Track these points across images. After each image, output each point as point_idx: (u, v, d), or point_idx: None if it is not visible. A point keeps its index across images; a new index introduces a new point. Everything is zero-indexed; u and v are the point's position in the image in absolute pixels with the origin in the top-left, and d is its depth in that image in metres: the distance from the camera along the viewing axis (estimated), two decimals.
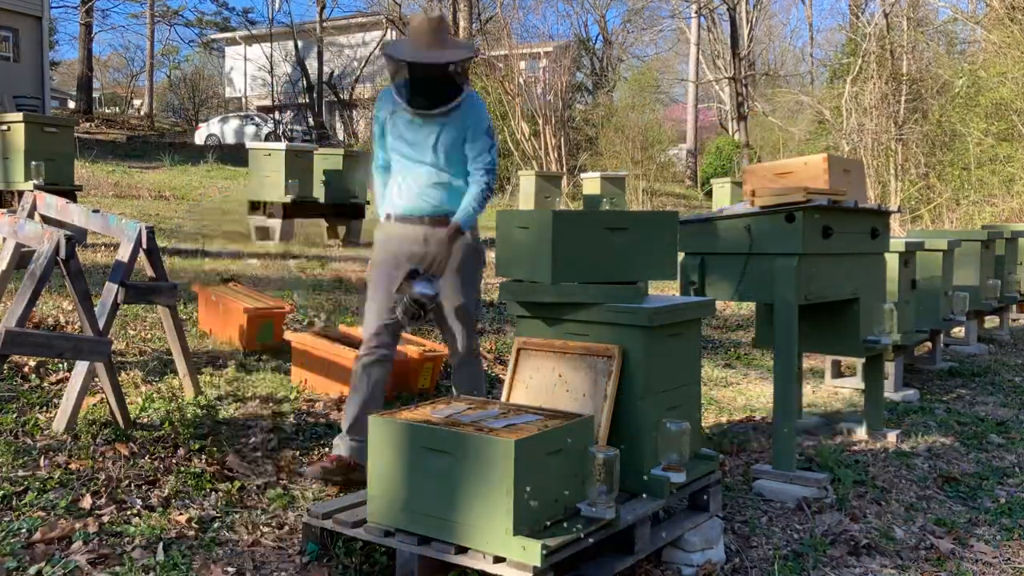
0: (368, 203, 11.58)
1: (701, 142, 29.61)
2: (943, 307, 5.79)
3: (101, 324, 3.59)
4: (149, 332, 5.20)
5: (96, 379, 3.69)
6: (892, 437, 4.32)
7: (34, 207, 4.14)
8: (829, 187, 3.63)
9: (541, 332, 2.97)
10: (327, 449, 3.70)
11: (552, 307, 2.92)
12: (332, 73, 30.94)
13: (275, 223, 10.15)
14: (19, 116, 8.00)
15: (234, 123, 27.99)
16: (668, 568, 2.81)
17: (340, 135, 28.26)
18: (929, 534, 3.24)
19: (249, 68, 34.05)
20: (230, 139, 26.66)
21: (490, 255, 3.65)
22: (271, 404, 4.22)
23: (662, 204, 20.90)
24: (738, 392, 5.35)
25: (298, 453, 3.61)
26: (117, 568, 2.52)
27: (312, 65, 30.77)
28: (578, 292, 2.87)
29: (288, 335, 4.85)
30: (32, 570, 2.47)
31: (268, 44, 31.55)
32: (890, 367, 5.15)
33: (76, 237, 3.44)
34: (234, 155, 19.79)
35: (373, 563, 2.59)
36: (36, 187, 7.33)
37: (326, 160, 10.97)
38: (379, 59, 30.16)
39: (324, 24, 31.84)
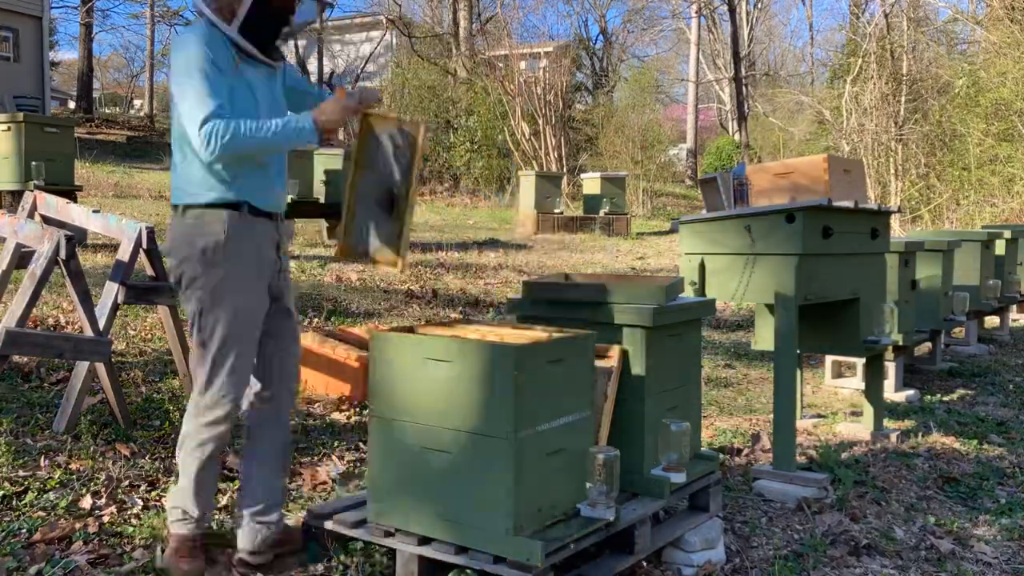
0: None
1: (701, 142, 29.62)
2: (943, 307, 5.79)
3: (101, 324, 3.59)
4: (149, 332, 5.20)
5: (96, 379, 3.69)
6: (892, 437, 4.32)
7: (34, 207, 4.14)
8: (829, 190, 3.63)
9: None
10: (325, 450, 3.70)
11: (555, 307, 2.92)
12: (332, 72, 30.95)
13: None
14: (19, 116, 8.01)
15: None
16: (668, 568, 2.81)
17: (340, 135, 28.21)
18: (929, 534, 3.24)
19: None
20: None
21: None
22: None
23: (662, 204, 20.92)
24: (738, 392, 5.35)
25: (298, 454, 3.61)
26: (117, 568, 2.52)
27: (312, 65, 30.77)
28: (589, 292, 2.87)
29: None
30: (32, 570, 2.47)
31: None
32: (890, 367, 5.15)
33: (76, 237, 3.44)
34: None
35: (373, 563, 2.59)
36: (36, 187, 7.33)
37: (326, 160, 10.98)
38: (379, 57, 30.21)
39: (324, 24, 31.85)
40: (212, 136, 2.33)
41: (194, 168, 2.45)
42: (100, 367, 3.56)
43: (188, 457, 2.51)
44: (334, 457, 3.60)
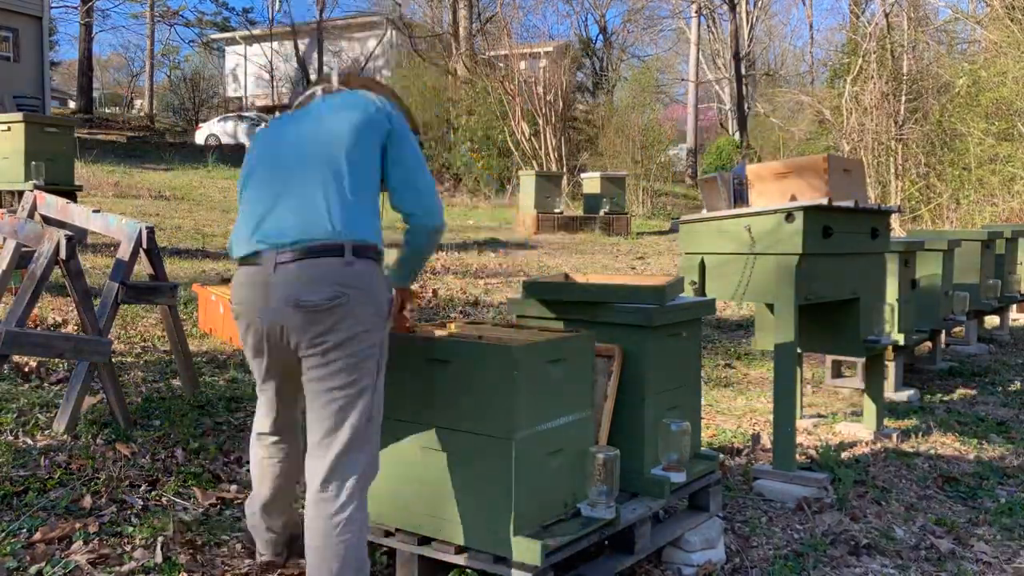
0: None
1: (701, 142, 29.64)
2: (943, 307, 5.79)
3: (101, 324, 3.59)
4: (149, 332, 5.20)
5: (96, 379, 3.69)
6: (892, 437, 4.32)
7: (34, 207, 4.14)
8: (829, 190, 3.62)
9: None
10: None
11: (555, 307, 2.92)
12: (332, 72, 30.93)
13: None
14: (19, 116, 8.00)
15: (235, 123, 27.99)
16: (668, 568, 2.81)
17: None
18: (929, 534, 3.24)
19: (250, 68, 34.06)
20: (230, 139, 26.67)
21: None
22: None
23: (662, 204, 20.92)
24: (738, 392, 5.35)
25: None
26: (117, 568, 2.52)
27: (313, 64, 30.77)
28: (589, 292, 2.87)
29: None
30: (32, 570, 2.47)
31: (268, 44, 31.56)
32: (890, 367, 5.14)
33: (76, 237, 3.44)
34: (234, 155, 19.81)
35: (373, 563, 2.59)
36: (36, 187, 7.33)
37: None
38: (378, 58, 30.20)
39: (324, 24, 31.85)
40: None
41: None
42: (100, 367, 3.56)
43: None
44: None
